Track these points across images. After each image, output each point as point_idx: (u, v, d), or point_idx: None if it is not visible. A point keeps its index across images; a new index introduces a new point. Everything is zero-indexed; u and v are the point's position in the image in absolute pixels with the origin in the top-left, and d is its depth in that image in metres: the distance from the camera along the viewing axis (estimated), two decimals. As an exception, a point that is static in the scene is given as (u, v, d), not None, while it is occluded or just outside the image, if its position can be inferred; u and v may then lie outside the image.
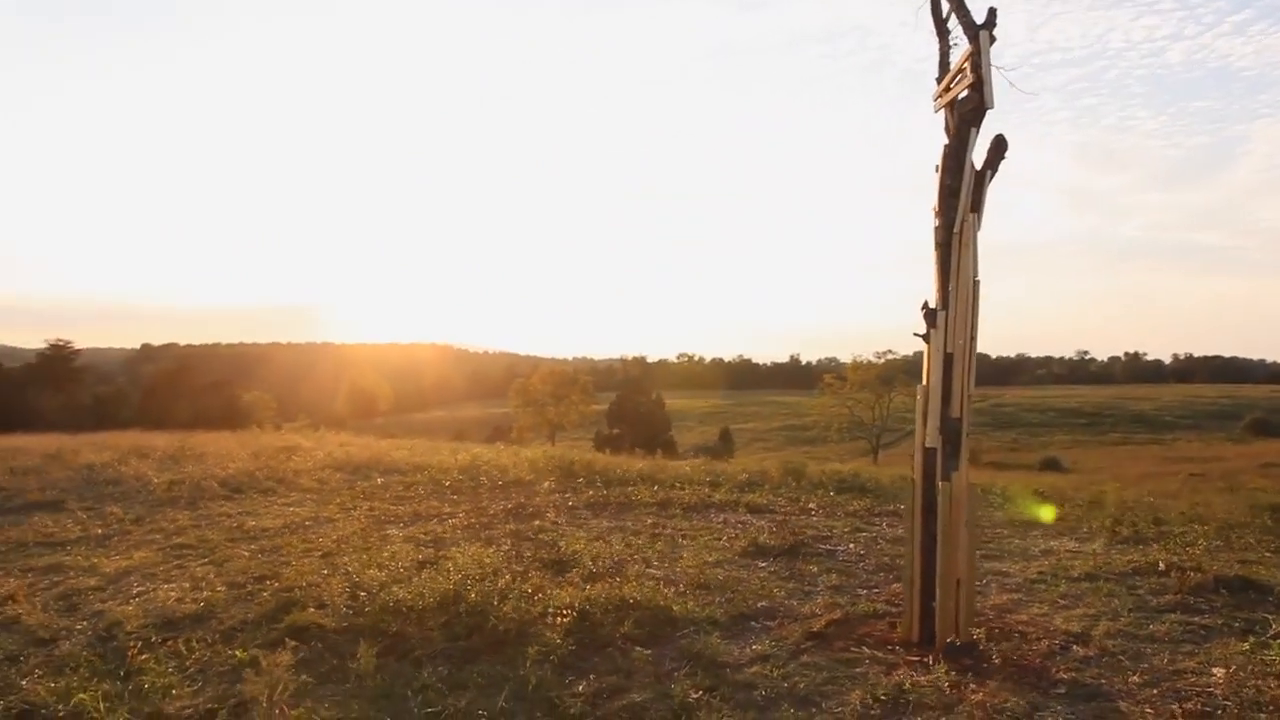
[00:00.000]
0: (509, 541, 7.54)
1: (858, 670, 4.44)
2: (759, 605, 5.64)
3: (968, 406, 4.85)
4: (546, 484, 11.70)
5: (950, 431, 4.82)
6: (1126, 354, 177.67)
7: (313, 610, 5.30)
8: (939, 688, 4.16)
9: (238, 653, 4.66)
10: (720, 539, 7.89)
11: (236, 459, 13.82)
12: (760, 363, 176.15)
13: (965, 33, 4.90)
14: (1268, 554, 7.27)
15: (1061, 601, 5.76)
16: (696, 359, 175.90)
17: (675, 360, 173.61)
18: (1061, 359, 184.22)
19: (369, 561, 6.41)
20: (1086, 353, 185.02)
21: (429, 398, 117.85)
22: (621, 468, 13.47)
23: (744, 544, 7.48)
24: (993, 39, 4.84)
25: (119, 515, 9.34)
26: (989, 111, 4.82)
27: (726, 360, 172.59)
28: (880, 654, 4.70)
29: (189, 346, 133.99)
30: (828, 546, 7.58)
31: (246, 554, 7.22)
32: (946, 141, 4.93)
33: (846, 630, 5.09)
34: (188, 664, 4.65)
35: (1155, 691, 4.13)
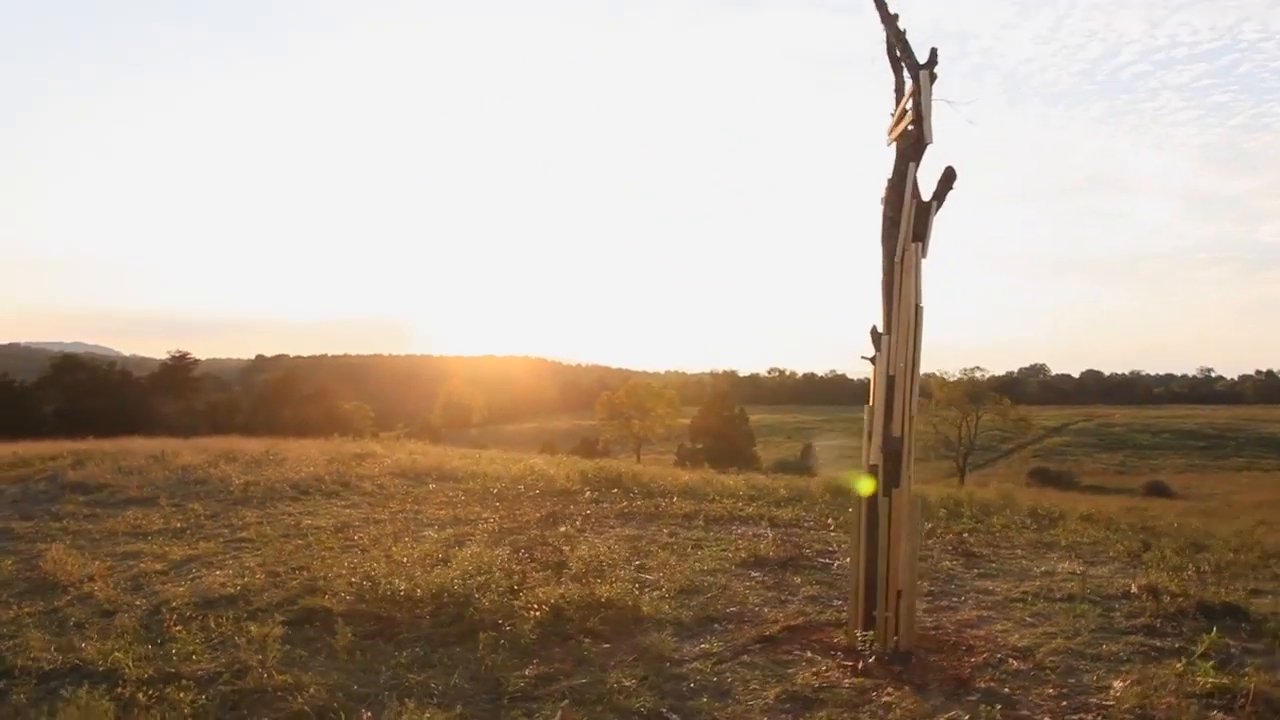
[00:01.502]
0: (524, 544, 8.11)
1: (788, 671, 4.78)
2: (729, 610, 6.01)
3: (909, 426, 5.13)
4: (588, 494, 12.25)
5: (891, 449, 5.11)
6: (1259, 372, 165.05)
7: (326, 596, 6.01)
8: (856, 689, 4.47)
9: (252, 628, 5.38)
10: (728, 549, 8.24)
11: (312, 464, 14.95)
12: (854, 378, 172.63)
13: (908, 72, 5.21)
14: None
15: (1028, 620, 5.89)
16: (788, 374, 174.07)
17: (766, 375, 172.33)
18: (1183, 376, 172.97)
19: (387, 557, 7.10)
20: (1211, 370, 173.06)
21: (521, 410, 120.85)
22: (668, 480, 13.89)
23: (745, 554, 7.82)
24: (934, 77, 5.14)
25: (198, 511, 10.43)
26: (930, 145, 5.11)
27: (819, 375, 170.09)
28: (818, 658, 5.02)
29: (298, 358, 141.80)
30: (826, 560, 7.83)
31: (291, 548, 8.05)
32: (889, 175, 5.24)
33: (798, 636, 5.42)
34: (213, 636, 5.41)
35: (1064, 704, 4.32)
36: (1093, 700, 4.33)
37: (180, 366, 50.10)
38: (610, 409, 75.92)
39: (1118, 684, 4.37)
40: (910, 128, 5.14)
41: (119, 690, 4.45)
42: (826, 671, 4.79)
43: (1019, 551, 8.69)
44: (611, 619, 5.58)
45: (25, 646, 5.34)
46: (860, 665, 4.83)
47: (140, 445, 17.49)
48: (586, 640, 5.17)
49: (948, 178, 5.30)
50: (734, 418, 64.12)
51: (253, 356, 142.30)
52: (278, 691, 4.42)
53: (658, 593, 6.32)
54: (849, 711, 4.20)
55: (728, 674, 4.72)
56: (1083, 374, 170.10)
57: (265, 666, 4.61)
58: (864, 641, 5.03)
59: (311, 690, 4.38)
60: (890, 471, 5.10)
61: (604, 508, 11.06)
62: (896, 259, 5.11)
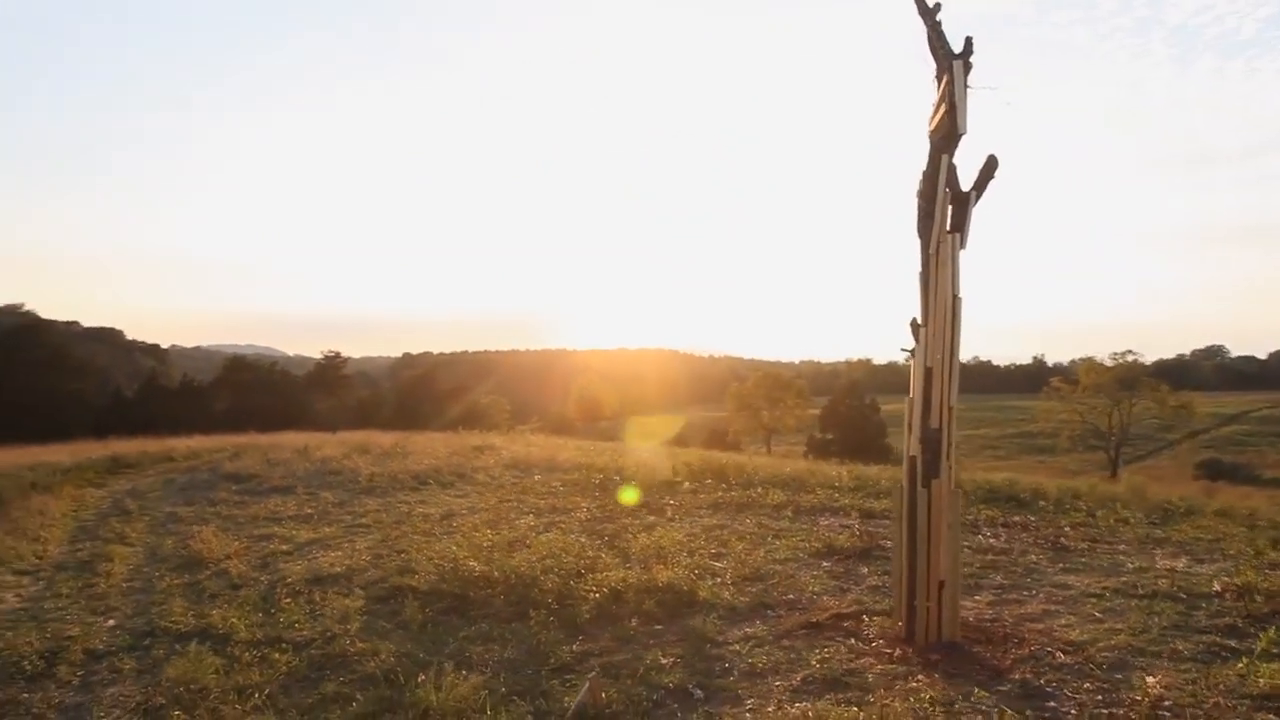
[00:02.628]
0: (607, 532, 8.52)
1: (824, 655, 4.92)
2: (786, 598, 6.17)
3: (948, 417, 5.13)
4: (687, 485, 12.55)
5: (930, 441, 5.12)
6: None
7: (414, 576, 6.63)
8: (885, 675, 4.56)
9: (345, 601, 6.04)
10: (806, 539, 8.32)
11: (435, 456, 16.03)
12: (1000, 364, 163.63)
13: (942, 61, 5.18)
14: None
15: (1096, 615, 5.71)
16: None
17: (904, 363, 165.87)
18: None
19: (472, 543, 7.68)
20: None
21: (652, 402, 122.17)
22: (771, 471, 13.96)
23: (820, 545, 7.90)
24: (968, 67, 5.09)
25: (327, 500, 11.53)
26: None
27: (963, 362, 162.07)
28: (859, 644, 5.12)
29: (441, 354, 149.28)
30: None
31: (398, 533, 8.83)
32: (925, 167, 5.24)
33: (845, 623, 5.53)
34: (316, 608, 6.12)
35: (1099, 698, 4.24)
36: (1133, 697, 4.23)
37: (331, 365, 54.37)
38: (739, 400, 75.72)
39: (1150, 680, 4.25)
40: (942, 118, 5.11)
41: (229, 649, 5.18)
42: (861, 658, 4.89)
43: (1120, 547, 8.28)
44: (667, 602, 5.88)
45: (169, 612, 6.24)
46: (897, 653, 4.91)
47: (289, 439, 19.26)
48: (635, 621, 5.50)
49: (989, 167, 5.23)
50: (864, 408, 62.46)
51: (400, 354, 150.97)
52: (356, 657, 5.02)
53: (719, 579, 6.55)
54: (871, 694, 4.31)
55: (764, 656, 4.92)
56: (1270, 355, 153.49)
57: (349, 635, 5.22)
58: (905, 630, 5.09)
59: (383, 656, 4.94)
60: (929, 463, 5.12)
61: (699, 498, 11.31)
62: (931, 250, 5.11)
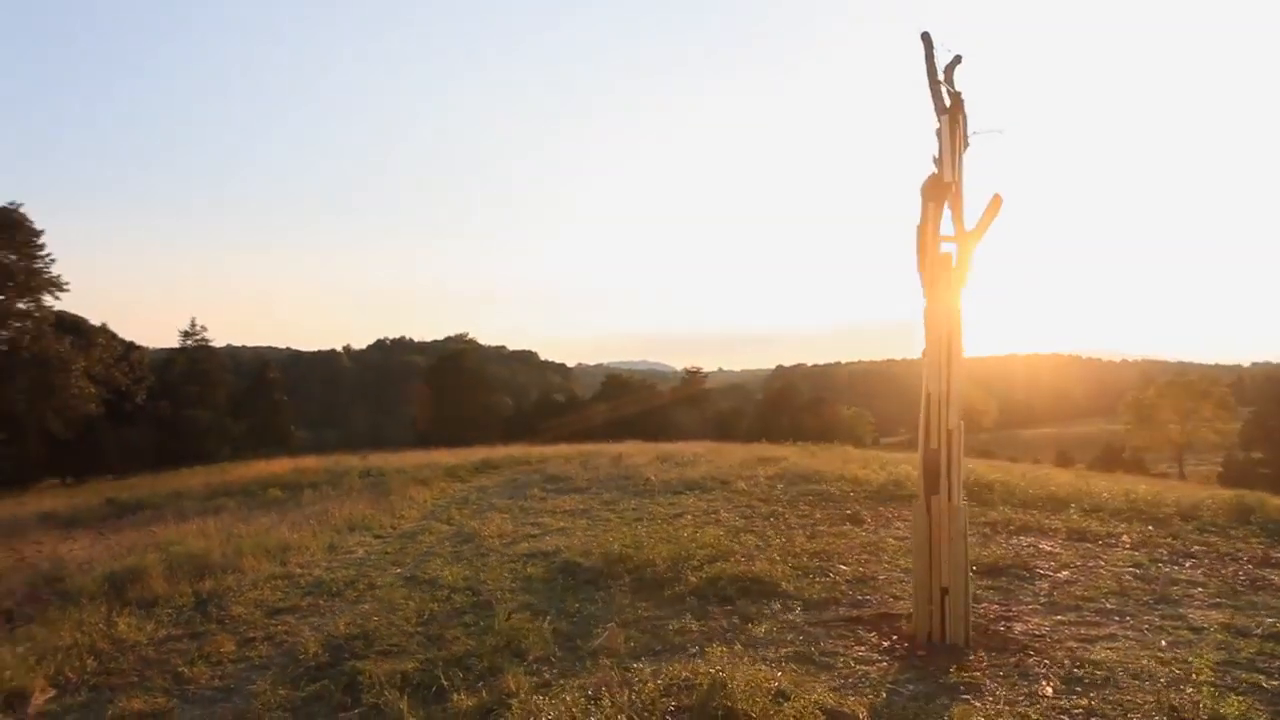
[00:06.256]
0: (788, 538, 9.63)
1: (837, 644, 5.75)
2: (858, 597, 6.93)
3: (947, 440, 5.65)
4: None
5: (930, 460, 5.70)
6: None
7: (589, 556, 8.59)
8: (860, 660, 5.35)
9: (530, 568, 8.22)
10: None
11: (720, 466, 17.89)
12: None
13: (936, 114, 5.74)
14: None
15: (1144, 635, 5.65)
16: None
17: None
18: None
19: (658, 534, 9.41)
20: None
21: (1042, 413, 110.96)
22: (1037, 489, 13.35)
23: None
24: (956, 122, 5.61)
25: (604, 499, 14.05)
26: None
27: None
28: (877, 640, 5.83)
29: (814, 366, 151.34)
30: (1043, 569, 7.77)
31: (625, 528, 10.84)
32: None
33: (881, 622, 6.22)
34: (514, 570, 8.39)
35: (1020, 695, 4.63)
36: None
37: (694, 380, 59.68)
38: (1138, 411, 65.99)
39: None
40: (935, 169, 5.68)
41: (432, 589, 7.64)
42: (869, 651, 5.66)
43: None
44: (750, 590, 7.06)
45: (429, 568, 8.96)
46: (890, 647, 5.59)
47: (609, 449, 22.68)
48: (698, 599, 6.81)
49: (993, 207, 5.65)
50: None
51: (773, 367, 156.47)
52: (490, 599, 7.12)
53: (814, 577, 7.46)
54: (860, 677, 5.12)
55: (777, 640, 5.93)
56: None
57: (501, 588, 7.37)
58: (913, 630, 5.71)
59: (508, 602, 6.96)
60: (930, 480, 5.69)
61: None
62: (924, 286, 5.70)
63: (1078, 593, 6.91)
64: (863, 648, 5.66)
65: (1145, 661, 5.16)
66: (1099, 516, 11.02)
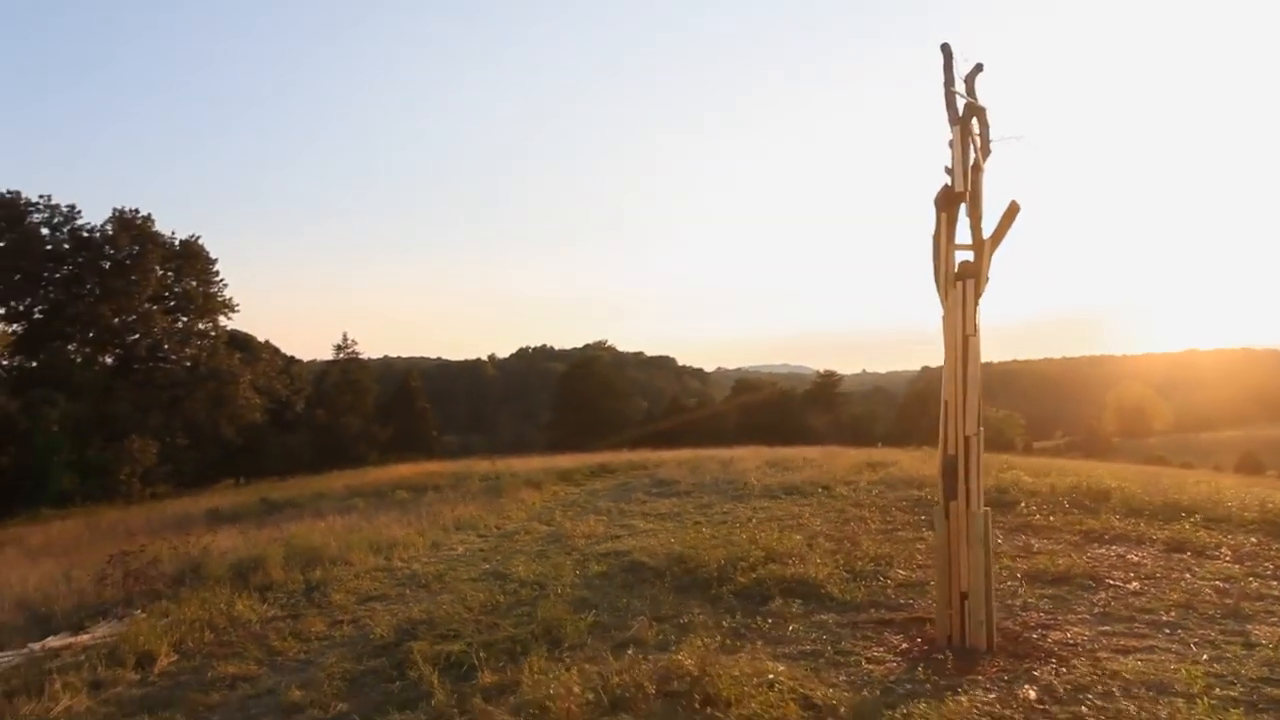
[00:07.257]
0: (842, 546, 9.67)
1: (861, 645, 5.89)
2: (900, 600, 6.98)
3: (965, 446, 5.68)
4: (1029, 507, 12.32)
5: (948, 466, 5.74)
6: None
7: (653, 556, 9.01)
8: (900, 669, 5.45)
9: (598, 566, 8.75)
10: (1033, 564, 8.31)
11: (827, 471, 17.76)
12: None
13: (949, 124, 5.79)
14: None
15: (1174, 649, 5.45)
16: None
17: None
18: None
19: (726, 537, 9.71)
20: None
21: (1223, 414, 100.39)
22: (1159, 500, 12.52)
23: (1029, 568, 8.00)
24: (969, 132, 5.65)
25: (700, 502, 14.42)
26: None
27: None
28: (896, 642, 5.94)
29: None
30: (1114, 579, 7.47)
31: (705, 530, 11.17)
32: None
33: (910, 625, 6.29)
34: (580, 566, 8.94)
35: (992, 696, 4.66)
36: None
37: (828, 383, 58.59)
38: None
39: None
40: (948, 179, 5.73)
41: (503, 583, 8.31)
42: (886, 652, 5.78)
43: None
44: (793, 590, 7.26)
45: (510, 564, 9.67)
46: (907, 649, 5.68)
47: (723, 454, 22.92)
48: (739, 598, 7.08)
49: (1009, 215, 5.65)
50: None
51: (919, 368, 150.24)
52: (549, 590, 7.68)
53: (864, 581, 7.54)
54: (863, 675, 5.30)
55: (807, 635, 6.14)
56: None
57: (561, 582, 7.94)
58: (935, 633, 5.77)
59: (562, 591, 7.49)
60: (948, 486, 5.74)
61: (1022, 520, 11.16)
62: (941, 296, 5.75)
63: (1139, 604, 6.67)
64: (881, 649, 5.78)
65: (1171, 674, 5.01)
66: (1221, 528, 10.30)
